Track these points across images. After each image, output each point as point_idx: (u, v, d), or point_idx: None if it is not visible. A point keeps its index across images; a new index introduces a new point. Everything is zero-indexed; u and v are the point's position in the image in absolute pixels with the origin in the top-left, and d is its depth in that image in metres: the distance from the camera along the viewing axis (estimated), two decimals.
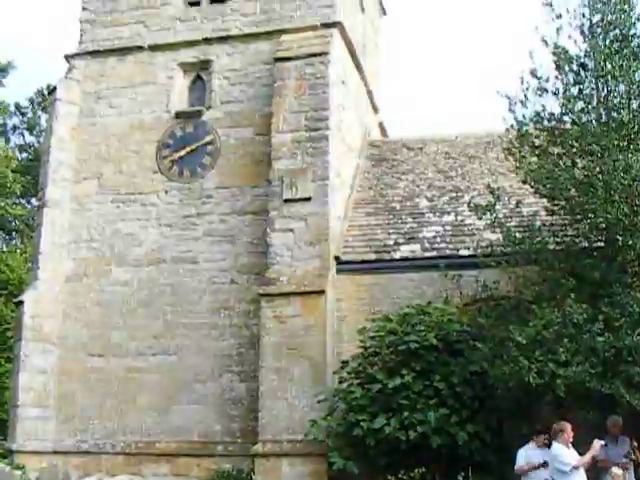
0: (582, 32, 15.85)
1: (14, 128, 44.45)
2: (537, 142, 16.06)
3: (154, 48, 21.98)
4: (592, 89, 15.58)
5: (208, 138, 20.92)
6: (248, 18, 21.54)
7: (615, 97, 15.32)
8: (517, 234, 15.97)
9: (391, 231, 19.53)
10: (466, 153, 22.62)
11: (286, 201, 18.96)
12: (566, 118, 15.71)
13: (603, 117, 15.30)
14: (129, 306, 20.32)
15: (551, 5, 15.95)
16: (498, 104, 16.03)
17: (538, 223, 16.56)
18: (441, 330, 15.66)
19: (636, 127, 14.97)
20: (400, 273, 18.46)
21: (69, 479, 19.54)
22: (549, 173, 15.22)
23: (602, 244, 15.08)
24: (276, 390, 17.73)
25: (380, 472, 15.27)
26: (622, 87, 15.26)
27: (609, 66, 15.23)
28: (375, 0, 28.27)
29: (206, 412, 19.29)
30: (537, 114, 15.99)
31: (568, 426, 12.70)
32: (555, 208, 16.01)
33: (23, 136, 44.81)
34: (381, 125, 27.10)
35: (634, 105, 15.17)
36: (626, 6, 15.62)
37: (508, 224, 16.78)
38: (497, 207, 16.75)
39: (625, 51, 15.37)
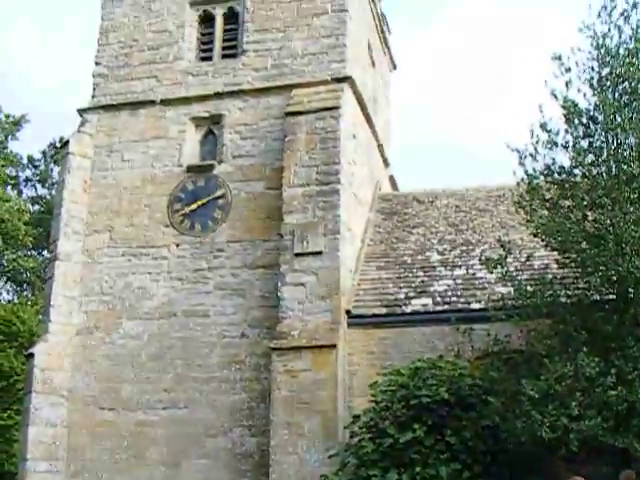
0: (591, 85, 15.91)
1: (27, 180, 44.80)
2: (548, 195, 16.06)
3: (166, 102, 22.17)
4: (602, 142, 15.59)
5: (219, 192, 21.00)
6: (259, 73, 21.74)
7: (625, 150, 15.33)
8: (528, 287, 15.91)
9: (402, 285, 19.50)
10: (477, 206, 22.67)
11: (297, 255, 18.98)
12: (576, 171, 15.74)
13: (613, 170, 15.28)
14: (139, 359, 20.25)
15: (560, 59, 16.04)
16: (507, 156, 16.03)
17: (549, 276, 16.50)
18: (453, 384, 15.57)
19: None
20: (411, 327, 18.40)
21: None
22: (560, 226, 15.21)
23: (614, 297, 15.01)
24: (287, 445, 17.59)
25: None
26: (632, 140, 15.28)
27: (619, 119, 15.28)
28: (385, 55, 28.54)
29: (216, 467, 19.10)
30: (547, 167, 16.02)
31: None
32: (566, 261, 15.97)
33: (35, 188, 45.19)
34: (392, 179, 27.23)
35: None
36: (635, 59, 15.66)
37: (519, 277, 16.73)
38: (508, 260, 16.71)
39: (634, 104, 15.42)
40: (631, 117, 15.18)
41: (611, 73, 15.75)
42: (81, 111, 22.89)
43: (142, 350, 20.29)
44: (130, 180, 21.81)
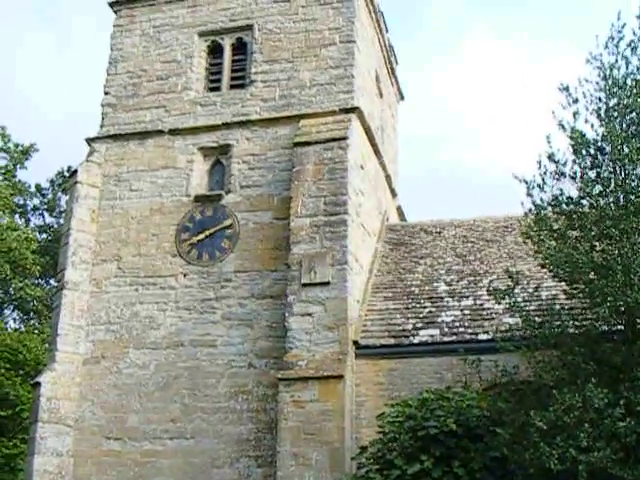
0: (599, 116, 15.92)
1: (34, 209, 44.84)
2: (555, 226, 16.01)
3: (174, 132, 22.28)
4: (610, 172, 15.57)
5: (227, 222, 21.04)
6: (267, 103, 21.85)
7: (633, 180, 15.29)
8: (536, 318, 15.85)
9: (410, 315, 19.48)
10: (484, 237, 22.67)
11: (305, 285, 18.98)
12: (584, 202, 15.69)
13: (621, 200, 15.25)
14: (146, 389, 20.21)
15: (567, 90, 16.08)
16: (515, 187, 16.03)
17: (557, 307, 16.44)
18: (460, 415, 15.47)
19: None
20: (419, 358, 18.36)
21: None
22: (568, 257, 15.15)
23: (622, 328, 14.95)
24: (294, 476, 17.51)
25: None
26: None
27: (626, 149, 15.26)
28: (393, 85, 28.68)
29: None
30: (555, 198, 15.98)
31: None
32: (574, 292, 15.89)
33: (43, 217, 45.22)
34: (399, 209, 27.29)
35: None
36: None
37: (527, 308, 16.66)
38: (516, 291, 16.65)
39: None
40: (638, 147, 15.16)
41: (619, 104, 15.76)
42: (89, 140, 23.03)
43: (149, 380, 20.26)
44: (138, 209, 21.87)
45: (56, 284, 23.52)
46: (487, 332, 18.20)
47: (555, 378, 14.92)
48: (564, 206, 15.88)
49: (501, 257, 21.35)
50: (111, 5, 24.41)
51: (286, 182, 20.58)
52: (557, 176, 15.96)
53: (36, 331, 36.03)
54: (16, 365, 30.86)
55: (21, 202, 41.94)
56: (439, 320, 19.14)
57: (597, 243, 15.31)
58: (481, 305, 19.28)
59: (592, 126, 15.92)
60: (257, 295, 20.18)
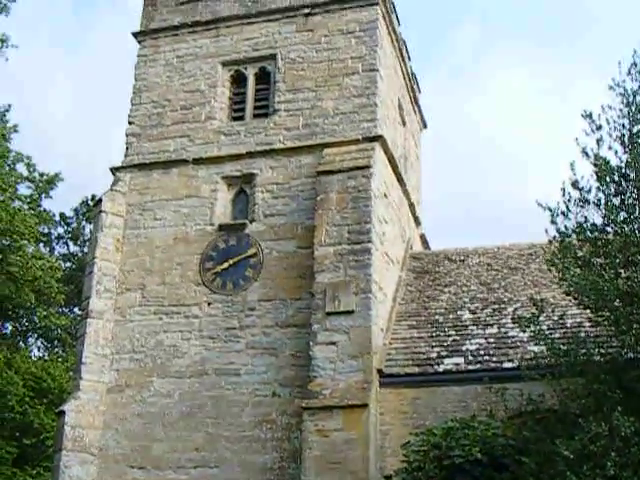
0: (622, 143, 15.91)
1: (58, 238, 45.08)
2: (580, 253, 15.96)
3: (198, 161, 22.38)
4: (634, 199, 15.52)
5: (251, 251, 21.07)
6: (291, 132, 21.94)
7: None
8: (561, 346, 15.78)
9: (434, 344, 19.40)
10: (508, 265, 22.61)
11: (329, 314, 18.95)
12: (609, 229, 15.66)
13: None
14: (170, 418, 20.17)
15: (591, 117, 16.09)
16: (539, 214, 16.03)
17: (583, 335, 16.40)
18: (486, 444, 15.37)
19: None
20: (444, 386, 18.27)
21: None
22: (593, 284, 15.07)
23: None
24: None
25: None
26: None
27: None
28: (416, 114, 28.73)
29: None
30: (579, 225, 15.94)
31: None
32: (599, 319, 15.81)
33: (67, 245, 45.44)
34: (423, 237, 27.24)
35: None
36: None
37: (552, 336, 16.62)
38: (541, 319, 16.62)
39: None
40: None
41: None
42: (114, 169, 23.17)
43: (173, 409, 20.24)
44: (162, 238, 21.95)
45: (80, 313, 23.65)
46: (512, 360, 18.09)
47: (581, 406, 14.86)
48: (588, 233, 15.85)
49: (525, 285, 21.27)
50: (135, 35, 24.63)
51: (310, 211, 20.62)
52: (581, 203, 15.94)
53: (60, 359, 36.14)
54: (40, 393, 31.01)
55: (46, 231, 42.12)
56: (464, 348, 19.05)
57: (622, 270, 15.24)
58: (506, 333, 19.19)
59: (616, 153, 15.93)
60: (281, 324, 20.16)
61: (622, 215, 15.53)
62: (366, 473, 17.32)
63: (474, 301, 20.96)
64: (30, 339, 40.55)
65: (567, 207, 16.02)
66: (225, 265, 21.14)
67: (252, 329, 20.32)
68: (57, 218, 44.15)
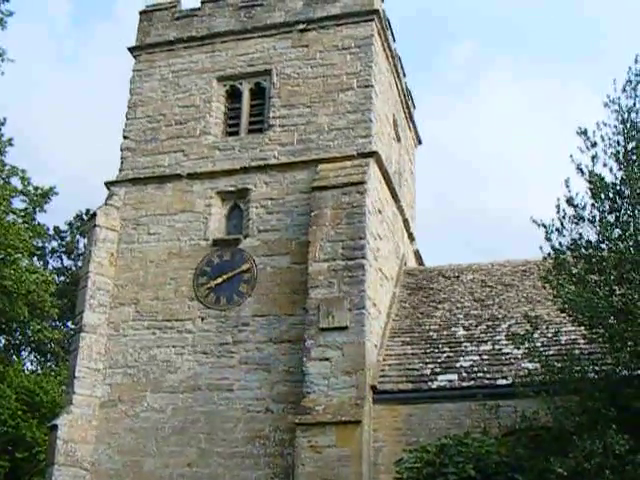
0: (617, 159, 15.93)
1: (52, 251, 45.03)
2: (574, 270, 15.97)
3: (193, 176, 22.38)
4: (629, 216, 15.53)
5: (245, 266, 21.05)
6: (286, 148, 21.95)
7: None
8: (556, 363, 15.79)
9: (428, 360, 19.37)
10: (502, 281, 22.62)
11: (322, 330, 18.90)
12: (603, 246, 15.68)
13: None
14: (163, 433, 20.11)
15: (586, 133, 16.13)
16: (533, 231, 16.05)
17: (577, 352, 16.39)
18: (479, 461, 15.33)
19: None
20: (437, 403, 18.23)
21: None
22: (587, 301, 15.07)
23: None
24: None
25: None
26: None
27: None
28: (411, 130, 28.77)
29: None
30: (574, 242, 15.97)
31: None
32: (594, 336, 15.82)
33: (61, 259, 45.39)
34: (417, 253, 27.26)
35: None
36: None
37: (546, 353, 16.64)
38: (535, 336, 16.65)
39: None
40: None
41: (637, 147, 15.79)
42: (108, 184, 23.16)
43: (165, 424, 20.17)
44: (156, 253, 21.93)
45: (74, 327, 23.57)
46: (506, 377, 18.07)
47: (575, 424, 14.83)
48: (583, 250, 15.87)
49: (520, 301, 21.27)
50: (131, 50, 24.67)
51: (304, 226, 20.60)
52: (576, 220, 15.97)
53: (53, 373, 35.99)
54: (33, 407, 30.82)
55: (40, 245, 42.03)
56: (457, 365, 19.02)
57: (617, 287, 15.25)
58: (500, 350, 19.16)
59: (611, 170, 15.97)
60: (275, 339, 20.12)
61: (617, 232, 15.55)
62: None
63: (468, 318, 20.95)
64: (23, 353, 40.44)
65: (562, 224, 16.05)
66: (219, 280, 21.11)
67: (245, 344, 20.28)
68: (51, 232, 44.09)
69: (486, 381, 18.32)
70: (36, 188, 36.13)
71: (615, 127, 16.13)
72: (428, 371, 18.99)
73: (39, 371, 38.03)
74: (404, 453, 16.66)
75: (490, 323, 20.48)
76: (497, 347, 19.32)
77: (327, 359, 18.62)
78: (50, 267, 43.91)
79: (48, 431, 22.18)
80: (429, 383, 18.68)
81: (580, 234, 15.94)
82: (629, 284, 14.96)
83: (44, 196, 36.68)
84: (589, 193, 15.94)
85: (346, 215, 19.94)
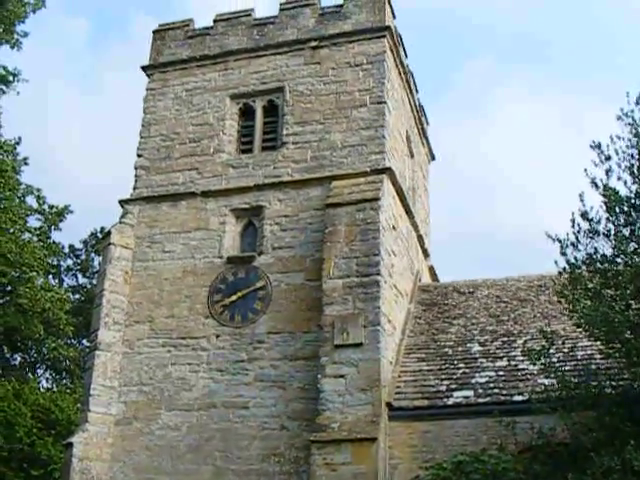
0: (632, 173, 15.88)
1: (68, 270, 45.18)
2: (590, 284, 15.90)
3: (207, 194, 22.42)
4: None
5: (259, 283, 21.04)
6: (299, 165, 21.97)
7: None
8: (572, 379, 15.72)
9: (443, 377, 19.28)
10: (518, 296, 22.53)
11: (337, 347, 18.83)
12: (619, 260, 15.62)
13: None
14: (178, 451, 20.07)
15: (600, 147, 16.08)
16: (548, 246, 16.01)
17: (593, 367, 16.33)
18: (496, 478, 15.29)
19: None
20: (453, 420, 18.11)
21: None
22: (603, 316, 14.99)
23: None
24: None
25: None
26: None
27: None
28: (424, 146, 28.78)
29: None
30: (589, 256, 15.90)
31: None
32: (611, 351, 15.72)
33: (76, 277, 45.53)
34: (431, 269, 27.19)
35: None
36: None
37: (563, 369, 16.54)
38: (551, 351, 16.57)
39: None
40: None
41: None
42: (123, 202, 23.21)
43: (181, 441, 20.14)
44: (171, 271, 21.95)
45: (89, 345, 23.61)
46: (522, 393, 17.95)
47: (593, 440, 14.73)
48: (598, 264, 15.80)
49: (535, 317, 21.17)
50: (144, 69, 24.78)
51: (318, 243, 20.58)
52: (591, 234, 15.91)
53: (68, 391, 36.08)
54: (48, 425, 30.89)
55: (55, 263, 42.17)
56: (473, 381, 18.93)
57: (633, 301, 15.17)
58: (516, 366, 19.07)
59: (625, 183, 15.92)
60: (290, 357, 20.08)
61: (632, 246, 15.49)
62: None
63: (483, 333, 20.86)
64: (39, 370, 40.63)
65: (577, 238, 16.00)
66: (234, 298, 21.10)
67: (260, 362, 20.24)
68: (66, 250, 44.26)
69: (502, 397, 18.20)
70: (51, 207, 36.33)
71: (629, 140, 16.09)
72: (444, 387, 18.91)
73: (54, 389, 38.12)
74: (420, 470, 16.64)
75: (506, 339, 20.39)
76: (513, 363, 19.22)
77: (342, 376, 18.55)
78: (65, 285, 44.09)
79: (63, 449, 22.17)
80: (445, 400, 18.58)
81: (595, 248, 15.89)
82: None
83: (59, 214, 36.87)
84: (604, 207, 15.89)
85: (360, 232, 19.91)
